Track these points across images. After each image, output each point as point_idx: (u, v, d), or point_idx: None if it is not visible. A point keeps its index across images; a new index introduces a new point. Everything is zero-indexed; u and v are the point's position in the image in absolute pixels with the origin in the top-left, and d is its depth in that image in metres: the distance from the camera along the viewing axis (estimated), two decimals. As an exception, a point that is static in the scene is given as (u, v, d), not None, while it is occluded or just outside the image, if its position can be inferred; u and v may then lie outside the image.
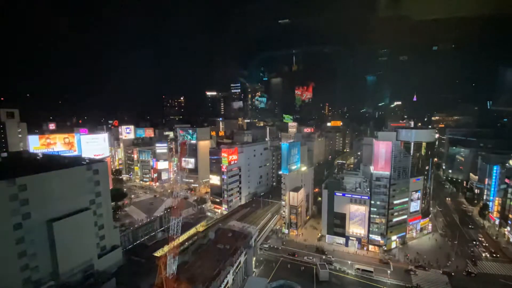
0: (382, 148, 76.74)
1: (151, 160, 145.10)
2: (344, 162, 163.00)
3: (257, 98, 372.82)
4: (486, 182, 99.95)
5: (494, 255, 74.62)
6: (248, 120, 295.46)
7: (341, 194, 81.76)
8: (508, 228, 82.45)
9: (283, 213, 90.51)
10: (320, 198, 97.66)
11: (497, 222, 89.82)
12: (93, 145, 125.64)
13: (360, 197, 79.67)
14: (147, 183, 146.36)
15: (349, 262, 71.79)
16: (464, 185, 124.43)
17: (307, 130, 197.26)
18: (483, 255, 75.23)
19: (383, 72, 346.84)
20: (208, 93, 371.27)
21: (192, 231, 78.93)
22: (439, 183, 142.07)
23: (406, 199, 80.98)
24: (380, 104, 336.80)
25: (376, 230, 78.27)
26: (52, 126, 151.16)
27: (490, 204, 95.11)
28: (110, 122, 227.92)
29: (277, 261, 72.98)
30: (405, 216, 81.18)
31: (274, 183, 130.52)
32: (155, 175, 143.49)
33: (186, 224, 78.86)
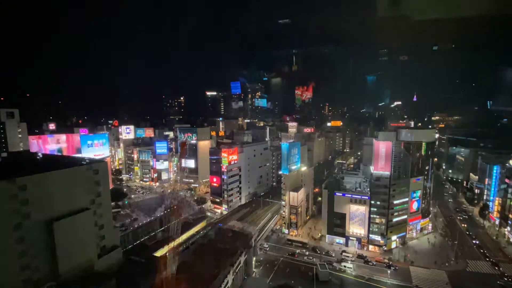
0: (382, 148, 76.76)
1: (151, 160, 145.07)
2: (344, 162, 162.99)
3: (256, 98, 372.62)
4: (486, 182, 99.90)
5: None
6: (248, 120, 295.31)
7: (341, 194, 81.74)
8: (508, 228, 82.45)
9: (283, 213, 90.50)
10: (320, 198, 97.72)
11: (497, 222, 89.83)
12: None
13: (360, 197, 79.65)
14: (147, 183, 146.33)
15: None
16: (464, 185, 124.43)
17: (307, 130, 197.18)
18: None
19: (383, 72, 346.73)
20: (208, 93, 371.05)
21: (192, 231, 78.88)
22: (439, 183, 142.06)
23: (406, 199, 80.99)
24: (380, 104, 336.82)
25: (376, 230, 78.28)
26: (52, 126, 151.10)
27: (490, 204, 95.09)
28: (110, 122, 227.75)
29: (277, 261, 73.02)
30: (405, 216, 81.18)
31: (274, 183, 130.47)
32: (155, 175, 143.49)
33: (186, 224, 78.83)
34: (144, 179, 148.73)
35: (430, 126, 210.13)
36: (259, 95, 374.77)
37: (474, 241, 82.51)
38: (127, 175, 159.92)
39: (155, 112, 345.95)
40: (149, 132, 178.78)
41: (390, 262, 71.20)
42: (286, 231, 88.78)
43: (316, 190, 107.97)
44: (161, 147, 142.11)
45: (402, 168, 79.43)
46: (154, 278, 43.05)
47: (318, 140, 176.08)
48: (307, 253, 76.91)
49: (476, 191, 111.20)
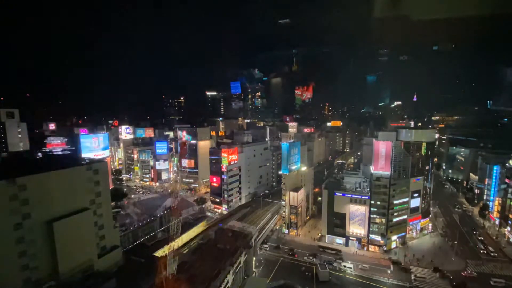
0: (382, 148, 76.70)
1: (151, 160, 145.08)
2: (344, 162, 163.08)
3: (256, 98, 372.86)
4: (486, 182, 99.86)
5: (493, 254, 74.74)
6: (248, 120, 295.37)
7: (341, 194, 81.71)
8: (508, 228, 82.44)
9: (283, 213, 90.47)
10: (320, 198, 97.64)
11: (497, 222, 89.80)
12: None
13: (360, 197, 79.62)
14: (147, 183, 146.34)
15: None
16: (464, 185, 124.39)
17: (307, 130, 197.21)
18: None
19: (383, 72, 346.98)
20: (208, 93, 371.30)
21: (192, 231, 78.85)
22: (439, 183, 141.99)
23: (406, 199, 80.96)
24: (380, 104, 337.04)
25: (376, 230, 78.23)
26: (52, 126, 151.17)
27: (490, 204, 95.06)
28: (110, 122, 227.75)
29: (277, 261, 72.98)
30: (405, 216, 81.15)
31: (274, 183, 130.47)
32: (156, 174, 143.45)
33: (186, 224, 78.83)
34: (144, 179, 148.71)
35: (430, 126, 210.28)
36: (259, 95, 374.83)
37: (474, 241, 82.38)
38: (127, 175, 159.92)
39: (155, 112, 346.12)
40: (149, 132, 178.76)
41: (392, 259, 71.11)
42: (286, 231, 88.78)
43: (316, 190, 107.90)
44: (161, 147, 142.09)
45: (402, 168, 79.40)
46: (154, 278, 43.05)
47: (318, 140, 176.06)
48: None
49: (476, 191, 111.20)
